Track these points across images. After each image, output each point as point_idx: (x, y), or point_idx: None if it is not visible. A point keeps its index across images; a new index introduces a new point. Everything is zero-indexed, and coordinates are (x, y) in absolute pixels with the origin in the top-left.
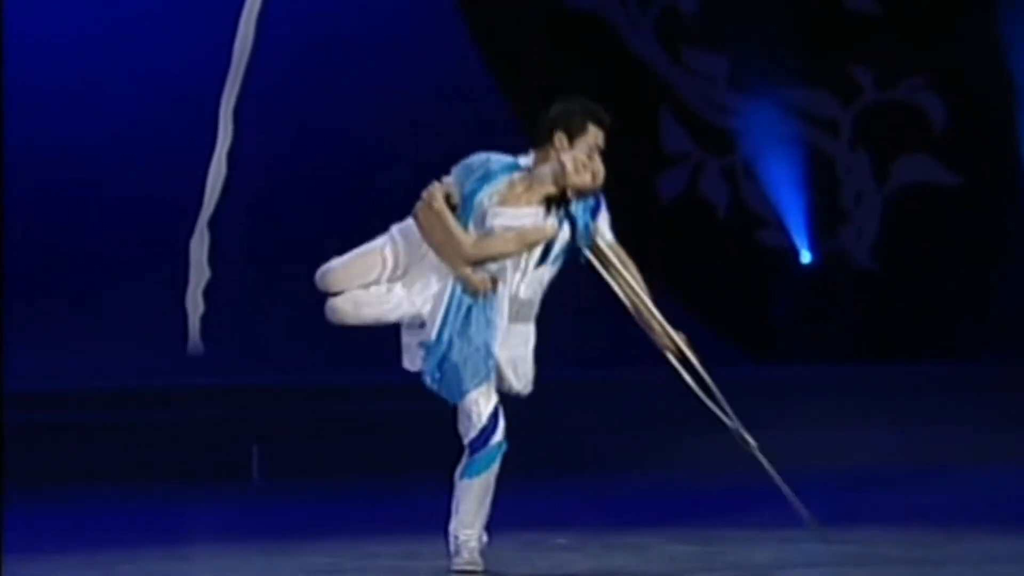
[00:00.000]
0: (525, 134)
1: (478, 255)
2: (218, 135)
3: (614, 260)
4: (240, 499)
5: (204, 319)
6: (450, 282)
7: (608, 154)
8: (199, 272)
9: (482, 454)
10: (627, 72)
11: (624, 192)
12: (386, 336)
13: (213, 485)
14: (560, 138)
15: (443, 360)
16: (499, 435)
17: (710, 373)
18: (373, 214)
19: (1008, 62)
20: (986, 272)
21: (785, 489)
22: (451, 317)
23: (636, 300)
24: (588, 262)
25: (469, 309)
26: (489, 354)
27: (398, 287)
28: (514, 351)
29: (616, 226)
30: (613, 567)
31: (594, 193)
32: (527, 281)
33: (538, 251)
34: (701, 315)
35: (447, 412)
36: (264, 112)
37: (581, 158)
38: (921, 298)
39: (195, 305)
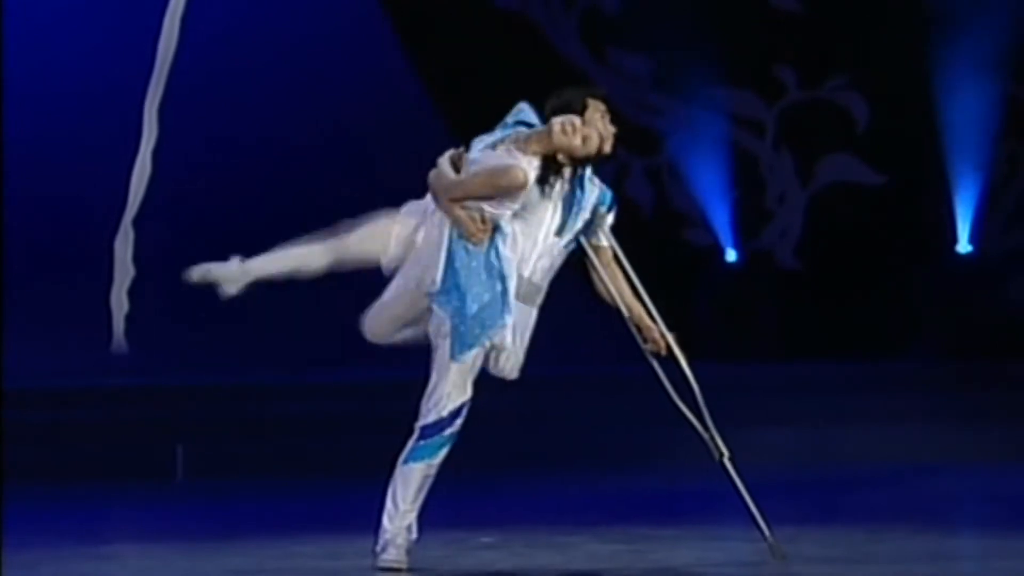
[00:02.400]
0: (449, 133)
1: (454, 191)
2: (142, 133)
3: (611, 257)
4: (164, 499)
5: (128, 318)
6: (447, 230)
7: None
8: (123, 271)
9: (431, 441)
10: (551, 71)
11: None
12: (310, 337)
13: (137, 485)
14: None
15: (459, 312)
16: (454, 428)
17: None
18: (299, 212)
19: (931, 60)
20: (910, 271)
21: (749, 502)
22: (453, 266)
23: (630, 299)
24: (582, 256)
25: (472, 261)
26: (506, 307)
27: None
28: (516, 329)
29: None
30: (536, 566)
31: (589, 160)
32: (541, 265)
33: (553, 228)
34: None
35: (371, 413)
36: (187, 110)
37: (573, 121)
38: (845, 297)
39: (119, 304)
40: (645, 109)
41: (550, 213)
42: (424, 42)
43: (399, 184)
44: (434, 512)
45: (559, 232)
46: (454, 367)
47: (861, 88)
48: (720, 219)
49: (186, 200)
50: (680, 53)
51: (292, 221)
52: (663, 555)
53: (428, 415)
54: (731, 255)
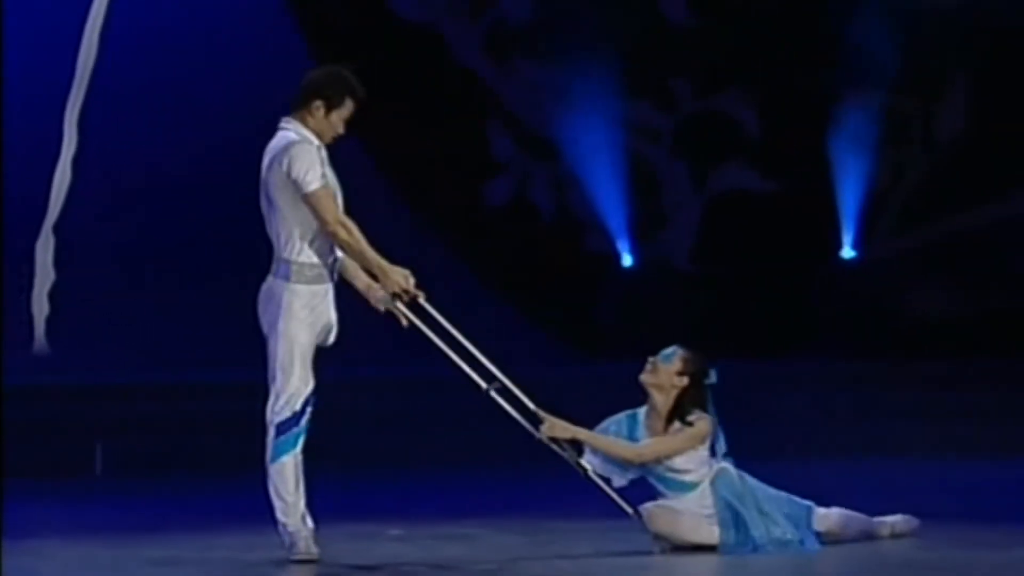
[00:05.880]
0: (353, 141)
1: None
2: (63, 141)
3: None
4: (84, 494)
5: (49, 319)
6: None
7: (438, 161)
8: (44, 274)
9: (288, 435)
10: (456, 81)
11: (453, 198)
12: (229, 335)
13: (57, 481)
14: (318, 107)
15: None
16: (307, 417)
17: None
18: (223, 217)
19: (817, 73)
20: (800, 274)
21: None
22: None
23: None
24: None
25: None
26: None
27: None
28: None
29: (447, 231)
30: (443, 557)
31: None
32: None
33: None
34: (531, 317)
35: None
36: (114, 116)
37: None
38: (737, 299)
39: (40, 307)
40: (547, 118)
41: None
42: (332, 53)
43: None
44: (340, 506)
45: None
46: (296, 363)
47: (752, 99)
48: (618, 225)
49: (111, 202)
50: (581, 64)
51: (221, 224)
52: (564, 547)
53: (282, 412)
54: (628, 259)
